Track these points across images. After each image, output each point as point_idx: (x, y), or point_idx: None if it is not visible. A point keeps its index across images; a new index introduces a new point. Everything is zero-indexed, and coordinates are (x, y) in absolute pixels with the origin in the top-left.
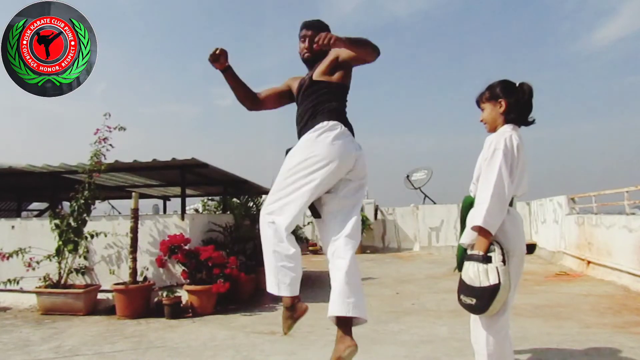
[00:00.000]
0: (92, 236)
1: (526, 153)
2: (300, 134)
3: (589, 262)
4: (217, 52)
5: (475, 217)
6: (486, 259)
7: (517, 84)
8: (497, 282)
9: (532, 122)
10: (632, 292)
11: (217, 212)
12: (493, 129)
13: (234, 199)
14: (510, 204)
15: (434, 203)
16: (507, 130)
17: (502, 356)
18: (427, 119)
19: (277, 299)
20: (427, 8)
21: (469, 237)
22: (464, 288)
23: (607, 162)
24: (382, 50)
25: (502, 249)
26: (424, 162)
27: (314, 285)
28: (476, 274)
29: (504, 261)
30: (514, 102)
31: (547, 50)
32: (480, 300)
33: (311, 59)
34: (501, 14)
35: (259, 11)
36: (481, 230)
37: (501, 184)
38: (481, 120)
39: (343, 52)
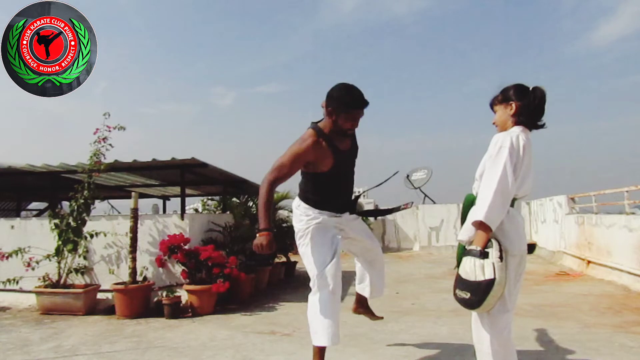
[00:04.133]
0: (91, 236)
1: (532, 156)
2: (347, 199)
3: (589, 262)
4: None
5: (477, 212)
6: (483, 254)
7: (531, 88)
8: (492, 277)
9: (542, 125)
10: (632, 292)
11: (217, 212)
12: (503, 131)
13: (234, 199)
14: (512, 205)
15: (434, 203)
16: (515, 130)
17: (506, 355)
18: (428, 118)
19: (276, 299)
20: (427, 7)
21: (466, 233)
22: (459, 282)
23: (607, 161)
24: (382, 50)
25: (500, 245)
26: (423, 161)
27: None
28: (472, 269)
29: (501, 257)
30: (524, 105)
31: (547, 50)
32: (475, 294)
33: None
34: (501, 14)
35: (259, 10)
36: (481, 225)
37: (505, 180)
38: (493, 123)
39: None
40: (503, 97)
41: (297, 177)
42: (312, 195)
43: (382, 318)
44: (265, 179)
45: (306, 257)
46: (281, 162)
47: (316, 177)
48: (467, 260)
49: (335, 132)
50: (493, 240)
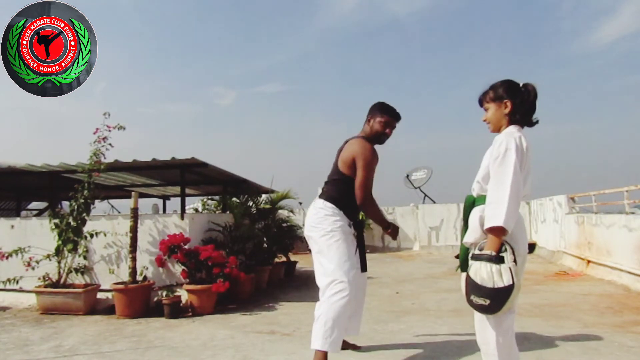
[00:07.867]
0: (91, 235)
1: (531, 155)
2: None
3: (588, 262)
4: None
5: (494, 217)
6: (499, 259)
7: (522, 85)
8: (511, 282)
9: (536, 122)
10: (632, 292)
11: (217, 212)
12: (497, 130)
13: (234, 199)
14: None
15: (434, 202)
16: (514, 131)
17: (510, 355)
18: (427, 118)
19: (276, 298)
20: (426, 7)
21: (472, 236)
22: (475, 289)
23: (607, 161)
24: (383, 51)
25: (512, 248)
26: (423, 161)
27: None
28: (489, 275)
29: (515, 261)
30: (518, 103)
31: (547, 50)
32: (495, 300)
33: None
34: (501, 14)
35: (258, 10)
36: (498, 231)
37: (517, 184)
38: (484, 120)
39: None
40: (495, 95)
41: (294, 175)
42: (346, 199)
43: (359, 348)
44: (369, 195)
45: (332, 253)
46: (370, 178)
47: (351, 182)
48: (481, 266)
49: (371, 141)
50: (506, 244)
